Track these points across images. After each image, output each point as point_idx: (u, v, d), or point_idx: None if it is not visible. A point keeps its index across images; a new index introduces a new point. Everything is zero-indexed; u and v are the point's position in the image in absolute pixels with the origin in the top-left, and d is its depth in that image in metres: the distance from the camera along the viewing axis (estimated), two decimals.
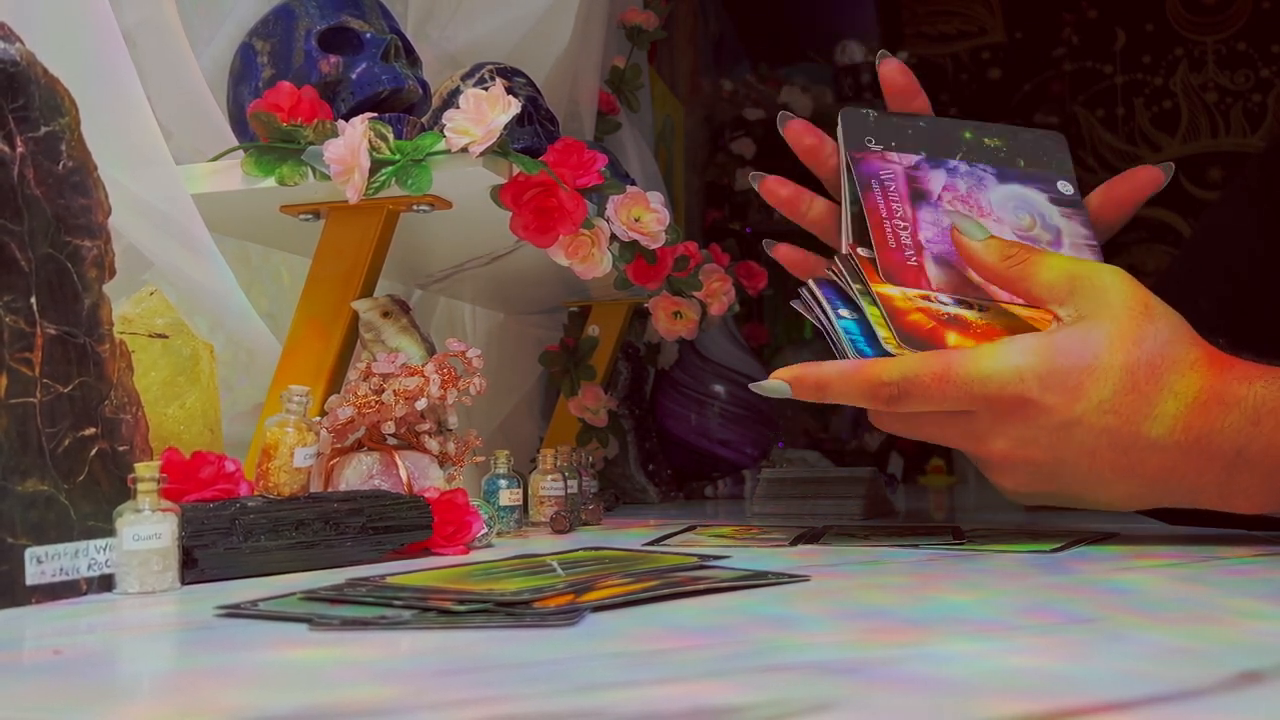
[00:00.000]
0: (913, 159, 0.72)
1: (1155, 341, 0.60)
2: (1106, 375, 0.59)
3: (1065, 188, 0.73)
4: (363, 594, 0.48)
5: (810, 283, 0.70)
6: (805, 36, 3.33)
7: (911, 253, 0.68)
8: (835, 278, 0.70)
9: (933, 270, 0.68)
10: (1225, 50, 3.37)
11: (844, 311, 0.68)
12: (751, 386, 0.68)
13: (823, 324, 0.69)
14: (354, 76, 0.86)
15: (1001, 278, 0.65)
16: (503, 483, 0.88)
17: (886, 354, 0.64)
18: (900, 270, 0.67)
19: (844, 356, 0.65)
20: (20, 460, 0.49)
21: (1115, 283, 0.61)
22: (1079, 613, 0.45)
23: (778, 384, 0.66)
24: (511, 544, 0.79)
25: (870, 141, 0.71)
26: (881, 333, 0.64)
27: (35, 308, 0.51)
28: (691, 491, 1.60)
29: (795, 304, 0.71)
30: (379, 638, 0.40)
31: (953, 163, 0.72)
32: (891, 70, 0.73)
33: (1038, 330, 0.63)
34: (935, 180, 0.71)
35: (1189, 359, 0.59)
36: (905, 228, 0.69)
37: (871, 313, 0.66)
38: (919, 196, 0.70)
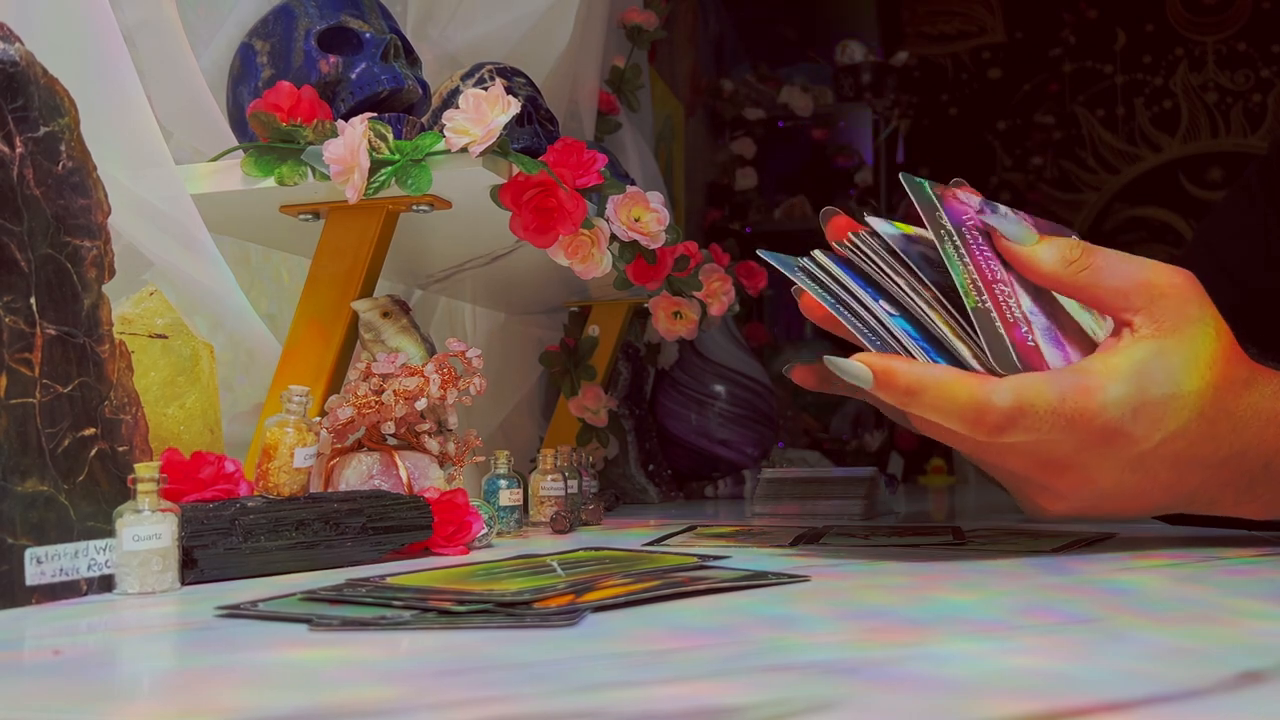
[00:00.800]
0: (976, 201, 0.62)
1: (1225, 364, 0.58)
2: (1185, 404, 0.57)
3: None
4: (363, 594, 0.48)
5: (825, 259, 0.61)
6: (805, 36, 3.33)
7: (1026, 329, 0.58)
8: (863, 261, 0.60)
9: (1047, 350, 0.59)
10: (1225, 50, 3.37)
11: (887, 305, 0.59)
12: (827, 361, 0.58)
13: (856, 315, 0.59)
14: (353, 76, 0.86)
15: (1066, 285, 0.60)
16: (503, 483, 0.88)
17: (959, 364, 0.57)
18: (1026, 355, 0.57)
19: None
20: (20, 460, 0.49)
21: (1190, 294, 0.58)
22: (1079, 613, 0.45)
23: (861, 370, 0.56)
24: (511, 544, 0.79)
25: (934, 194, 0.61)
26: (964, 350, 0.57)
27: (35, 308, 0.51)
28: (691, 491, 1.60)
29: (802, 282, 0.61)
30: (379, 638, 0.40)
31: (1002, 209, 0.63)
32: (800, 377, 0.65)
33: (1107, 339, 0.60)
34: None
35: (1242, 378, 0.59)
36: (1009, 296, 0.59)
37: (939, 320, 0.58)
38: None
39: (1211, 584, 0.52)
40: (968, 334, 0.58)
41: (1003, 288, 0.59)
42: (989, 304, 0.57)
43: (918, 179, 0.62)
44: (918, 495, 1.66)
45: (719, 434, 1.61)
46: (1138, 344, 0.57)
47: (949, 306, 0.58)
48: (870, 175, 3.04)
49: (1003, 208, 0.63)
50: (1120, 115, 3.44)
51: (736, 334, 1.71)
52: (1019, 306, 0.59)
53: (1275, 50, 3.32)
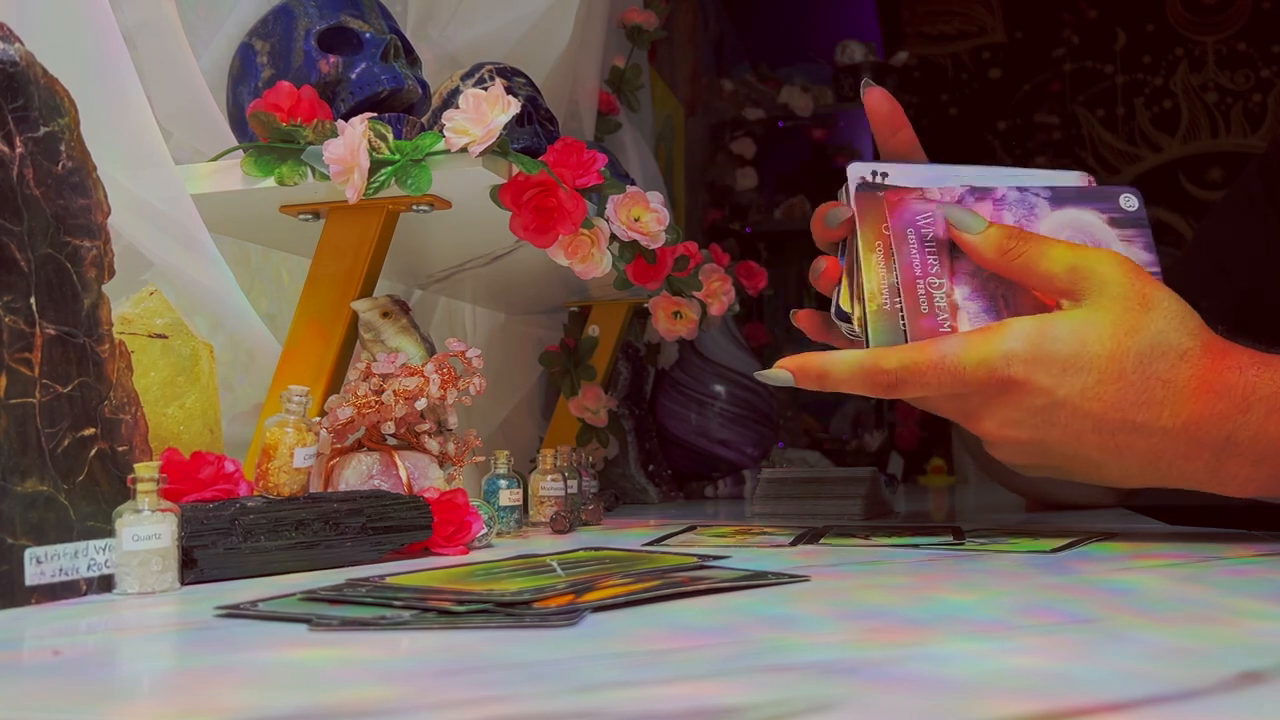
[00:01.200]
0: (957, 192, 0.69)
1: (1148, 332, 0.60)
2: (1092, 363, 0.60)
3: (1129, 202, 0.69)
4: (362, 594, 0.48)
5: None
6: (805, 36, 3.33)
7: (945, 316, 0.66)
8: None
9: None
10: (1225, 50, 3.37)
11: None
12: (757, 375, 0.69)
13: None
14: (353, 76, 0.86)
15: (1004, 270, 0.65)
16: (503, 483, 0.88)
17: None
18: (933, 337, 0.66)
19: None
20: (20, 460, 0.49)
21: (1115, 274, 0.62)
22: (1079, 613, 0.45)
23: (781, 373, 0.67)
24: (511, 544, 0.79)
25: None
26: (857, 312, 0.67)
27: (35, 308, 0.51)
28: (691, 491, 1.60)
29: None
30: (379, 638, 0.40)
31: (1001, 191, 0.69)
32: (876, 99, 0.73)
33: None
34: (981, 212, 0.68)
35: (1181, 349, 0.60)
36: (940, 286, 0.67)
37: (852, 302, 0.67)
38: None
39: (1211, 584, 0.52)
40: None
41: (934, 281, 0.66)
42: (896, 305, 0.66)
43: (873, 187, 0.69)
44: (918, 495, 1.66)
45: (719, 434, 1.61)
46: (1055, 314, 0.63)
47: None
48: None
49: (1006, 191, 0.69)
50: (1120, 115, 3.44)
51: (736, 334, 1.71)
52: (948, 297, 0.66)
53: (1275, 50, 3.32)
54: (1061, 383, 0.61)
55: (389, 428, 0.78)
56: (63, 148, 0.53)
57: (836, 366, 0.65)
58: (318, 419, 0.74)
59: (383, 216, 0.85)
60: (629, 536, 0.84)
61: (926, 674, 0.33)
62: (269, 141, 0.81)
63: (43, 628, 0.45)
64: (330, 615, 0.43)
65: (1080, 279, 0.62)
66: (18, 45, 0.51)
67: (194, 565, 0.56)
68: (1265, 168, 0.90)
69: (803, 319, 0.74)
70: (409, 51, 0.93)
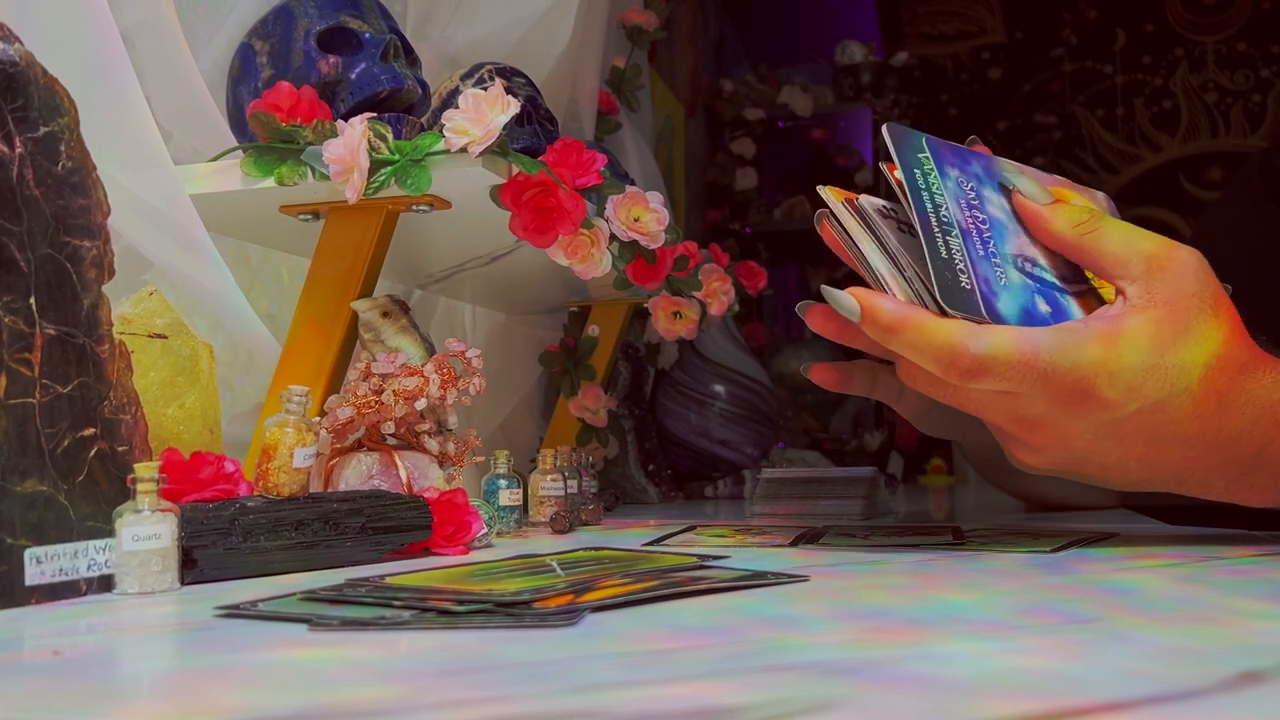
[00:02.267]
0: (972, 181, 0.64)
1: (1216, 341, 0.58)
2: (1167, 376, 0.57)
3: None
4: (362, 594, 0.47)
5: (857, 205, 0.62)
6: (805, 36, 3.33)
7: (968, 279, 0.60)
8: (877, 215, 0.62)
9: (1030, 302, 0.61)
10: (1225, 50, 3.37)
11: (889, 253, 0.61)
12: (824, 291, 0.60)
13: (878, 253, 0.61)
14: (353, 77, 0.86)
15: (1070, 246, 0.61)
16: (502, 483, 0.88)
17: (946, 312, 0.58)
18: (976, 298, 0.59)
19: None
20: (20, 461, 0.49)
21: (1190, 270, 0.59)
22: (1079, 613, 0.45)
23: (849, 301, 0.59)
24: (511, 544, 0.79)
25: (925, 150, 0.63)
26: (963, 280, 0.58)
27: (34, 308, 0.51)
28: (691, 491, 1.60)
29: (830, 223, 0.63)
30: (378, 638, 0.40)
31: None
32: (817, 320, 0.65)
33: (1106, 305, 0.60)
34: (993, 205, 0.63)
35: (1240, 361, 0.58)
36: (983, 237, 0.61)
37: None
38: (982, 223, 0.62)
39: (1211, 584, 0.52)
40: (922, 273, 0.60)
41: (978, 230, 0.61)
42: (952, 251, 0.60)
43: (918, 137, 0.63)
44: (918, 495, 1.66)
45: (719, 434, 1.61)
46: (1127, 312, 0.58)
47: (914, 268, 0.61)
48: (870, 175, 3.04)
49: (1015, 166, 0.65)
50: (1120, 115, 3.44)
51: (736, 334, 1.71)
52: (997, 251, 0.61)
53: (1275, 50, 3.32)
54: (1135, 399, 0.57)
55: (389, 428, 0.78)
56: (62, 148, 0.53)
57: (914, 325, 0.57)
58: (317, 419, 0.74)
59: (382, 216, 0.85)
60: (629, 536, 0.84)
61: (926, 674, 0.33)
62: (269, 142, 0.81)
63: (42, 628, 0.45)
64: (330, 615, 0.43)
65: (1155, 269, 0.58)
66: (17, 45, 0.51)
67: (194, 565, 0.56)
68: (1265, 166, 0.90)
69: (816, 316, 0.64)
70: (409, 51, 0.93)
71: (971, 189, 0.62)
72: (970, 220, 0.61)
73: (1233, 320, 0.59)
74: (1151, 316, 0.57)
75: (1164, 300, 0.58)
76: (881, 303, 0.58)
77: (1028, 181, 0.63)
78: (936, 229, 0.60)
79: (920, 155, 0.62)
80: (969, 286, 0.59)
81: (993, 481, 1.01)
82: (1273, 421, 0.59)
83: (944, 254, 0.59)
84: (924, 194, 0.61)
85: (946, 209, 0.61)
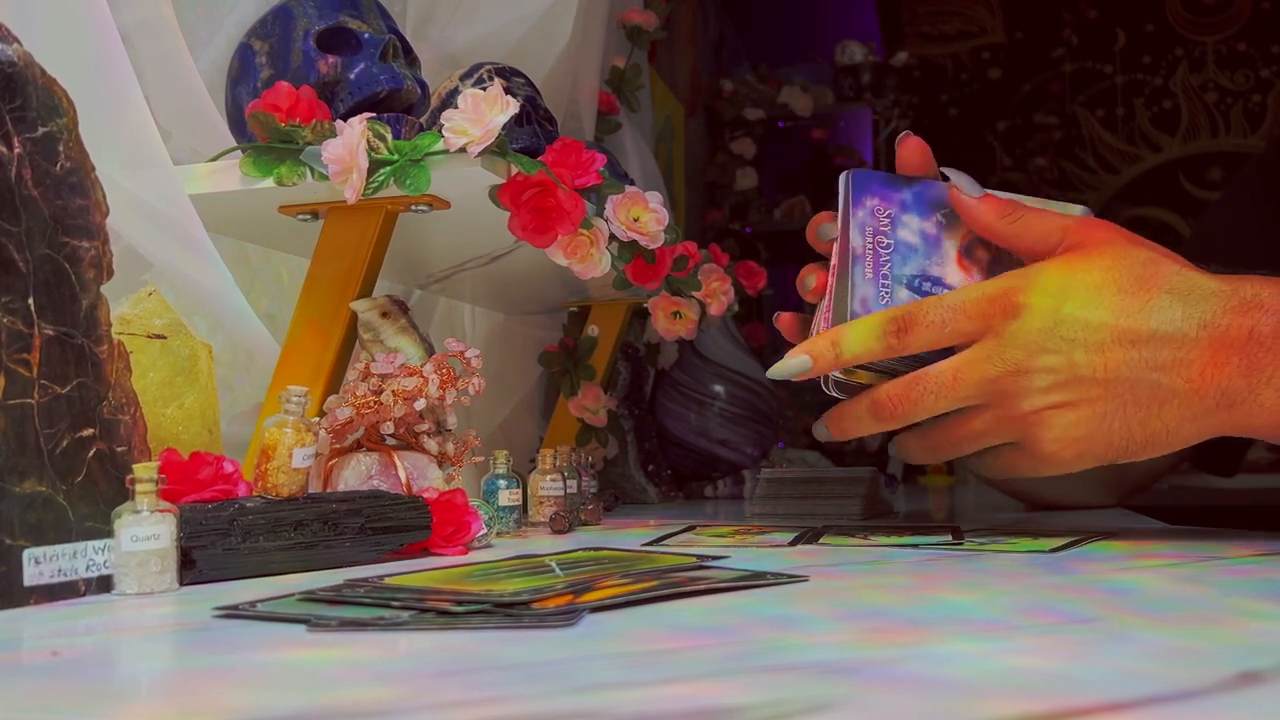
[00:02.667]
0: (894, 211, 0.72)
1: (1146, 253, 0.62)
2: (1086, 283, 0.62)
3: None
4: (361, 595, 0.47)
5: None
6: (805, 36, 3.33)
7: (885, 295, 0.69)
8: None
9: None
10: (1225, 50, 3.37)
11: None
12: (769, 373, 0.69)
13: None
14: (352, 77, 0.86)
15: (999, 233, 0.67)
16: (502, 483, 0.88)
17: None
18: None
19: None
20: (18, 461, 0.49)
21: (1107, 233, 0.64)
22: (1079, 613, 0.45)
23: (797, 359, 0.67)
24: (511, 544, 0.79)
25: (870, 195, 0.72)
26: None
27: (33, 308, 0.51)
28: (691, 491, 1.59)
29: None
30: (377, 638, 0.40)
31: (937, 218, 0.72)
32: (910, 150, 0.73)
33: None
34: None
35: (1207, 290, 0.62)
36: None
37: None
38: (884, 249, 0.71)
39: (1211, 584, 0.52)
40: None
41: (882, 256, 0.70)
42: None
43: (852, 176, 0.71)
44: (918, 495, 1.66)
45: (718, 434, 1.61)
46: (1039, 262, 0.65)
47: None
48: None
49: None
50: (1120, 115, 3.44)
51: (736, 334, 1.71)
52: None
53: (1275, 50, 3.32)
54: (1062, 302, 0.61)
55: (388, 428, 0.78)
56: (61, 148, 0.53)
57: (845, 328, 0.66)
58: (316, 419, 0.74)
59: (381, 216, 0.85)
60: (628, 536, 0.84)
61: (926, 674, 0.33)
62: (268, 142, 0.81)
63: (41, 628, 0.45)
64: (329, 616, 0.43)
65: (1071, 234, 0.64)
66: (16, 45, 0.51)
67: (193, 566, 0.56)
68: (1264, 166, 0.89)
69: (785, 322, 0.74)
70: (408, 52, 0.92)
71: (887, 216, 0.70)
72: (870, 246, 0.69)
73: (1168, 253, 0.64)
74: (1064, 257, 0.64)
75: (1076, 250, 0.64)
76: (814, 343, 0.67)
77: (966, 179, 0.70)
78: (847, 263, 0.70)
79: (843, 196, 0.70)
80: (855, 309, 0.68)
81: (990, 482, 1.01)
82: (1268, 312, 0.61)
83: (846, 285, 0.69)
84: (843, 231, 0.70)
85: (853, 240, 0.70)
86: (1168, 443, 0.63)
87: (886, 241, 0.69)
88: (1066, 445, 0.64)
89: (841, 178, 0.70)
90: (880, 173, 0.71)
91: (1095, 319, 0.61)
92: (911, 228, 0.69)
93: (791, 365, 0.67)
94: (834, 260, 0.70)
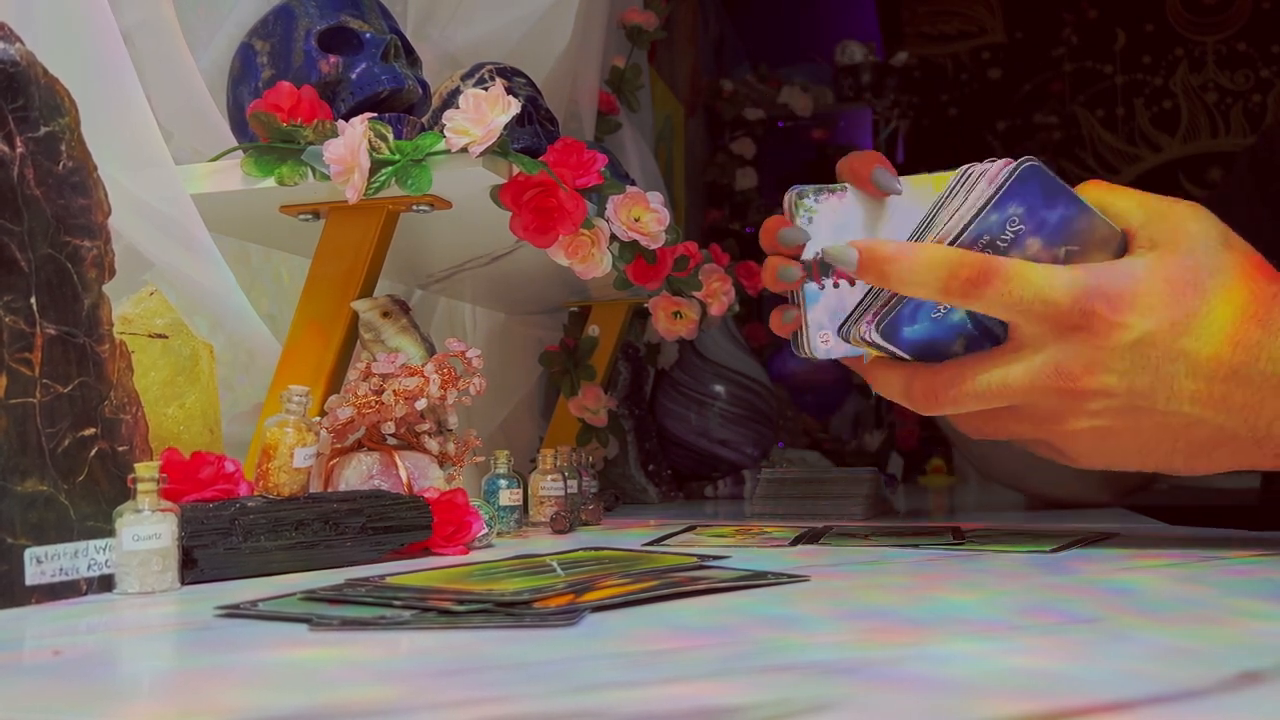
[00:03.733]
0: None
1: (1232, 266, 0.57)
2: (1178, 298, 0.56)
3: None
4: (362, 594, 0.48)
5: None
6: (805, 36, 3.33)
7: None
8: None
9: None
10: (1225, 50, 3.37)
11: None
12: (822, 251, 0.61)
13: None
14: (353, 76, 0.86)
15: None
16: (503, 483, 0.88)
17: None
18: None
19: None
20: (20, 460, 0.49)
21: (1192, 213, 0.59)
22: (1079, 613, 0.45)
23: (848, 252, 0.59)
24: (511, 544, 0.79)
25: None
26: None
27: (35, 308, 0.51)
28: (691, 491, 1.59)
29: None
30: (378, 638, 0.40)
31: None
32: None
33: None
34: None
35: (1271, 292, 0.57)
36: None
37: None
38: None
39: (1211, 584, 0.52)
40: None
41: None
42: None
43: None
44: (918, 495, 1.66)
45: (719, 434, 1.61)
46: (1131, 254, 0.59)
47: None
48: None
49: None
50: (1120, 115, 3.44)
51: (736, 334, 1.71)
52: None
53: (1275, 50, 3.32)
54: (1147, 317, 0.56)
55: (389, 428, 0.78)
56: (63, 147, 0.53)
57: (910, 251, 0.57)
58: (318, 419, 0.74)
59: (383, 216, 0.85)
60: (629, 536, 0.84)
61: (926, 674, 0.33)
62: (269, 142, 0.81)
63: (43, 628, 0.45)
64: (330, 615, 0.43)
65: (1153, 216, 0.59)
66: (18, 45, 0.51)
67: (194, 565, 0.56)
68: (1254, 161, 0.90)
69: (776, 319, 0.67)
70: (409, 51, 0.93)
71: (1014, 231, 0.60)
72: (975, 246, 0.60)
73: (1248, 266, 0.57)
74: (1154, 254, 0.57)
75: (1165, 240, 0.58)
76: (880, 242, 0.59)
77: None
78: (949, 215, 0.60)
79: (997, 179, 0.60)
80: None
81: (993, 476, 1.01)
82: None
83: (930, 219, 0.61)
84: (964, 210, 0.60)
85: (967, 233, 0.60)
86: (1206, 471, 0.60)
87: (996, 250, 0.60)
88: (1098, 459, 0.61)
89: (1012, 165, 0.59)
90: (1053, 179, 0.60)
91: (1178, 345, 0.56)
92: (1028, 252, 0.59)
93: (840, 253, 0.59)
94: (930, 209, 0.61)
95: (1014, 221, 0.59)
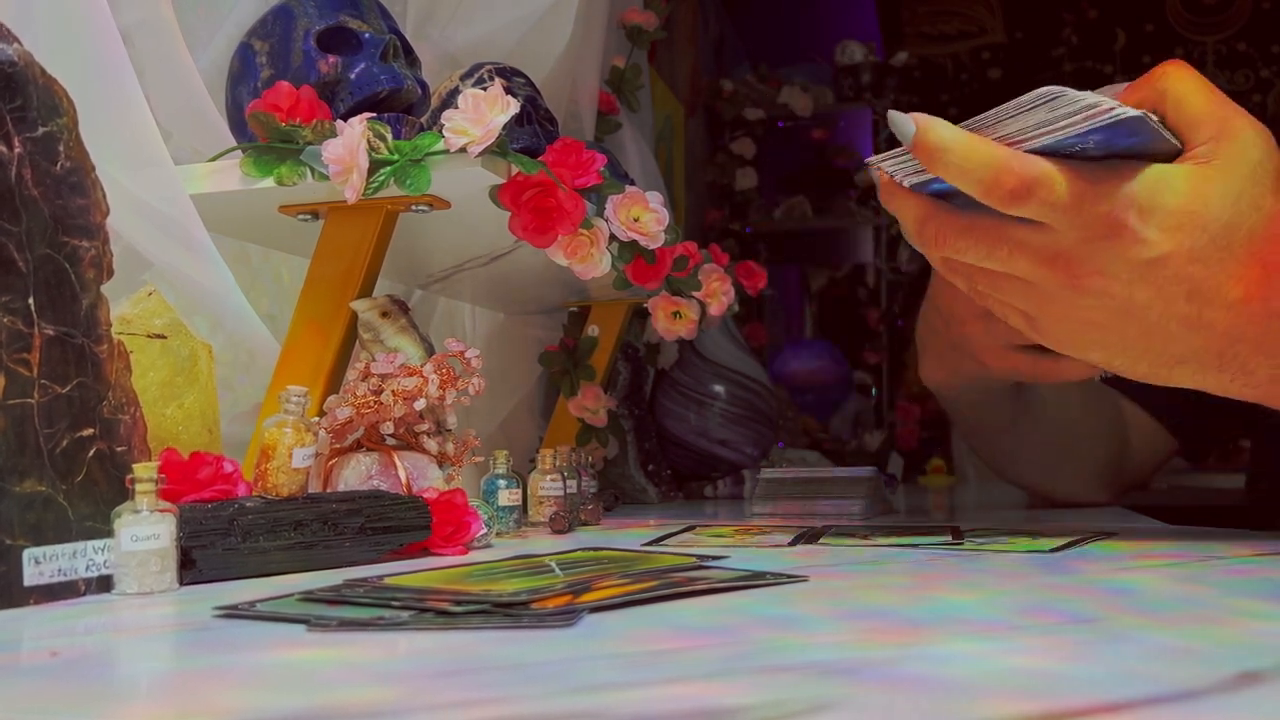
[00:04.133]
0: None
1: (1266, 212, 0.58)
2: (1208, 226, 0.57)
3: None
4: (361, 595, 0.47)
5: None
6: (805, 36, 3.33)
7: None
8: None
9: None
10: (1225, 50, 3.37)
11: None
12: (889, 115, 0.62)
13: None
14: (352, 76, 0.86)
15: (1149, 100, 0.61)
16: (502, 483, 0.88)
17: None
18: None
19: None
20: (18, 461, 0.49)
21: (1257, 140, 0.59)
22: (1079, 613, 0.45)
23: (908, 122, 0.60)
24: (510, 544, 0.79)
25: None
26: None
27: (33, 308, 0.51)
28: (691, 491, 1.59)
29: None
30: (377, 639, 0.40)
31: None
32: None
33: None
34: None
35: None
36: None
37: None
38: None
39: (1211, 584, 0.52)
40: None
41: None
42: None
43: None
44: (918, 495, 1.66)
45: (719, 434, 1.60)
46: (1181, 163, 0.59)
47: None
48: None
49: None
50: None
51: (736, 334, 1.71)
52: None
53: (1275, 50, 3.32)
54: (1171, 238, 0.57)
55: (388, 428, 0.78)
56: (61, 148, 0.53)
57: (964, 143, 0.58)
58: (316, 419, 0.74)
59: (382, 216, 0.85)
60: (628, 536, 0.84)
61: (926, 674, 0.33)
62: (268, 142, 0.81)
63: (41, 628, 0.45)
64: (328, 616, 0.43)
65: (1225, 132, 0.59)
66: (16, 45, 0.51)
67: (192, 566, 0.56)
68: None
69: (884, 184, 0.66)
70: (408, 51, 0.92)
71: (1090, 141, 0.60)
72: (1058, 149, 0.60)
73: None
74: (1202, 171, 0.58)
75: (1224, 161, 0.58)
76: (938, 124, 0.59)
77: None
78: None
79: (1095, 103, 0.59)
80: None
81: (998, 473, 1.01)
82: None
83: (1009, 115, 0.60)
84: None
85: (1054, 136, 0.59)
86: (1164, 383, 0.62)
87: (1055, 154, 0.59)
88: (1072, 346, 0.63)
89: (1119, 113, 0.57)
90: (1146, 124, 0.59)
91: (1188, 271, 0.57)
92: (1086, 155, 0.59)
93: (901, 122, 0.60)
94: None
95: (1088, 144, 0.60)
